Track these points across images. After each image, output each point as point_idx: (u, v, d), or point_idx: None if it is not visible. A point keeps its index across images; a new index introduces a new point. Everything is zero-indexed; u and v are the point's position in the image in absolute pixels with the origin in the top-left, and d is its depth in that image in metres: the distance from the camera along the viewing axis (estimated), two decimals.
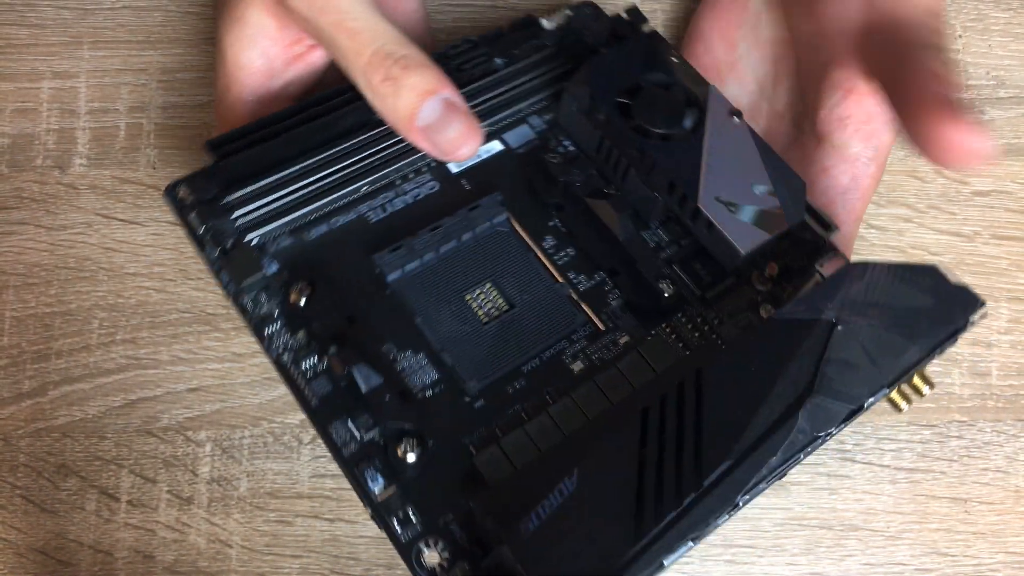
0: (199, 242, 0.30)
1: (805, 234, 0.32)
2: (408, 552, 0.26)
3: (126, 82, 0.42)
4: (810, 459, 0.39)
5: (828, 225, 0.32)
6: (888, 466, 0.39)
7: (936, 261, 0.42)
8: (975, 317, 0.28)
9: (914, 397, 0.29)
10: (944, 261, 0.42)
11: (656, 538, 0.23)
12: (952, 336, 0.28)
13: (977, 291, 0.29)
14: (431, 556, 0.25)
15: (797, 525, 0.38)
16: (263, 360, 0.38)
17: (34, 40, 0.43)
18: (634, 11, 0.36)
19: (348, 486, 0.37)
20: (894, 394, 0.29)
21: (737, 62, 0.38)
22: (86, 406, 0.38)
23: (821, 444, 0.25)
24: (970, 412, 0.40)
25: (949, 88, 0.27)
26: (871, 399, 0.26)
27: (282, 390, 0.38)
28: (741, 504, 0.24)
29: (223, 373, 0.38)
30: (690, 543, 0.24)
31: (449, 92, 0.29)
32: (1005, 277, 0.41)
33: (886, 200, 0.42)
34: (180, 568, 0.36)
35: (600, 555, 0.23)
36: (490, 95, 0.34)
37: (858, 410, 0.25)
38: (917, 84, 0.28)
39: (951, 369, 0.40)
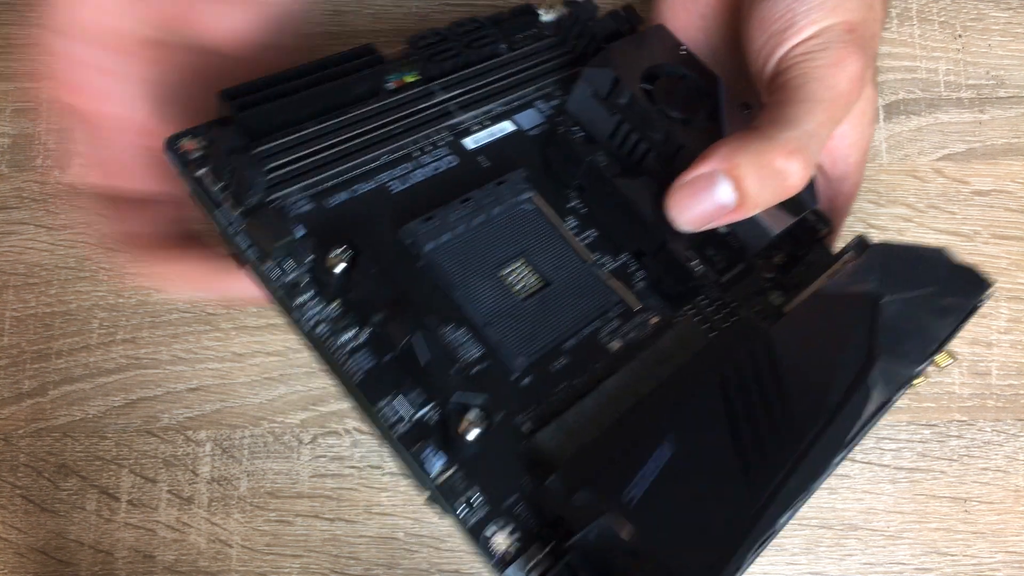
0: (212, 201, 0.27)
1: (808, 225, 0.33)
2: (476, 537, 0.24)
3: None
4: None
5: (825, 221, 0.33)
6: (888, 465, 0.39)
7: None
8: (986, 296, 0.29)
9: (926, 376, 0.30)
10: None
11: (770, 498, 0.23)
12: (972, 312, 0.29)
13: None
14: (501, 540, 0.24)
15: (797, 524, 0.38)
16: (263, 360, 0.38)
17: (34, 40, 0.43)
18: (629, 8, 0.36)
19: (349, 486, 0.37)
20: None
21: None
22: (86, 406, 0.38)
23: (889, 409, 0.26)
24: (970, 412, 0.40)
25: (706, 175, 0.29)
26: (922, 364, 0.27)
27: (282, 390, 0.38)
28: (836, 463, 0.25)
29: (223, 373, 0.38)
30: (800, 505, 0.24)
31: None
32: (1005, 277, 0.41)
33: (886, 200, 0.42)
34: (180, 568, 0.36)
35: (719, 519, 0.23)
36: (498, 76, 0.34)
37: (915, 375, 0.27)
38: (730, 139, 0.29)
39: (951, 369, 0.40)
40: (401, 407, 0.25)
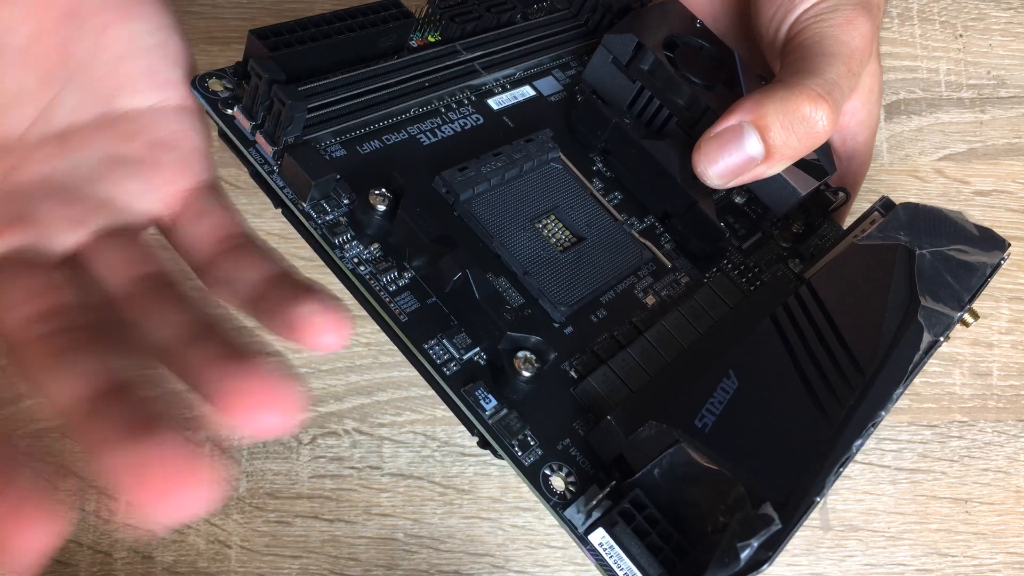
0: (244, 141, 0.26)
1: (824, 194, 0.34)
2: (535, 477, 0.23)
3: None
4: None
5: (835, 191, 0.34)
6: (889, 466, 0.39)
7: None
8: (1006, 255, 0.31)
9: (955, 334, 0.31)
10: None
11: (844, 423, 0.24)
12: (995, 270, 0.30)
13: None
14: (557, 481, 0.23)
15: None
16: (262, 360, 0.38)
17: None
18: None
19: (348, 487, 0.37)
20: None
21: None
22: None
23: (936, 351, 0.27)
24: (971, 412, 0.40)
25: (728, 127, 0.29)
26: (960, 312, 0.28)
27: None
28: (896, 396, 0.25)
29: None
30: (871, 429, 0.24)
31: None
32: (1006, 277, 0.41)
33: None
34: (179, 568, 0.36)
35: (796, 442, 0.23)
36: (517, 42, 0.34)
37: (955, 321, 0.28)
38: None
39: (952, 369, 0.40)
40: (449, 348, 0.25)
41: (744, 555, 0.20)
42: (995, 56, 0.44)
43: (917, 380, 0.40)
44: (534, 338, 0.25)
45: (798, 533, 0.37)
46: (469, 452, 0.38)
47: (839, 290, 0.27)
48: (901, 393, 0.26)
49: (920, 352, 0.26)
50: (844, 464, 0.24)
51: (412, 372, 0.38)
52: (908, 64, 0.44)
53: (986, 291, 0.41)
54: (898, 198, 0.42)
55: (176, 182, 0.27)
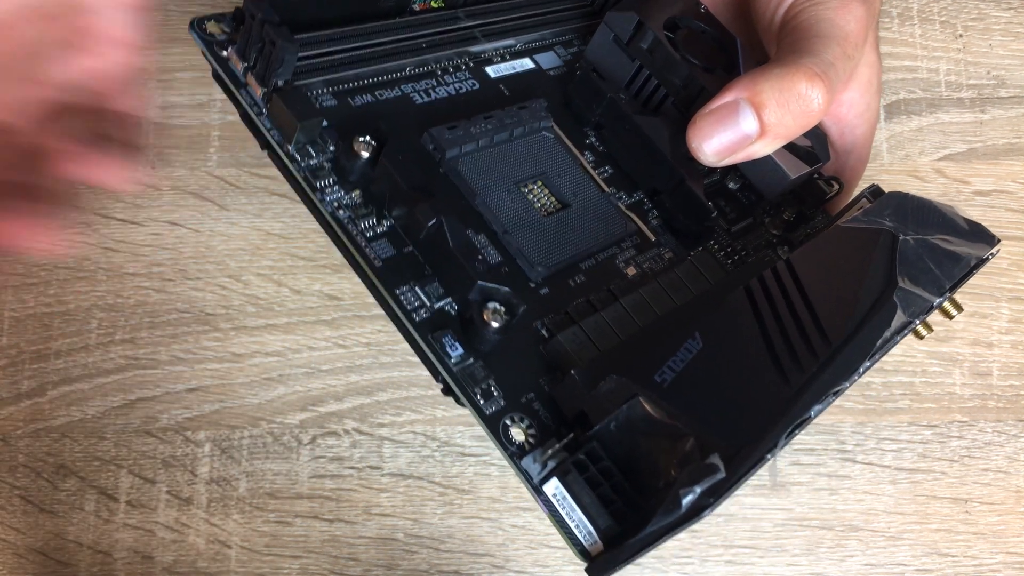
0: (235, 82, 0.27)
1: (818, 184, 0.34)
2: (495, 426, 0.24)
3: None
4: (810, 459, 0.39)
5: (829, 182, 0.34)
6: (889, 466, 0.39)
7: None
8: (994, 251, 0.30)
9: (939, 325, 0.32)
10: None
11: (805, 387, 0.24)
12: (980, 264, 0.30)
13: (978, 291, 0.29)
14: (517, 432, 0.24)
15: (798, 525, 0.38)
16: (262, 360, 0.38)
17: None
18: None
19: (348, 487, 0.37)
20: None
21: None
22: (85, 406, 0.38)
23: (908, 333, 0.27)
24: (971, 412, 0.40)
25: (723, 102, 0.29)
26: (940, 299, 0.28)
27: (281, 390, 0.38)
28: (862, 370, 0.25)
29: (222, 373, 0.38)
30: (832, 398, 0.24)
31: None
32: (1006, 277, 0.41)
33: None
34: (179, 569, 0.36)
35: (752, 401, 0.23)
36: (520, 14, 0.35)
37: (932, 306, 0.28)
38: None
39: (952, 369, 0.40)
40: (420, 296, 0.25)
41: (686, 501, 0.21)
42: (995, 56, 0.44)
43: (917, 380, 0.40)
44: (504, 289, 0.25)
45: (798, 533, 0.37)
46: (469, 452, 0.38)
47: (817, 267, 0.27)
48: (868, 367, 0.26)
49: (892, 330, 0.26)
50: (800, 426, 0.24)
51: (412, 372, 0.38)
52: (908, 64, 0.44)
53: (986, 291, 0.41)
54: None
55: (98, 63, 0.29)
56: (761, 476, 0.38)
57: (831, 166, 0.35)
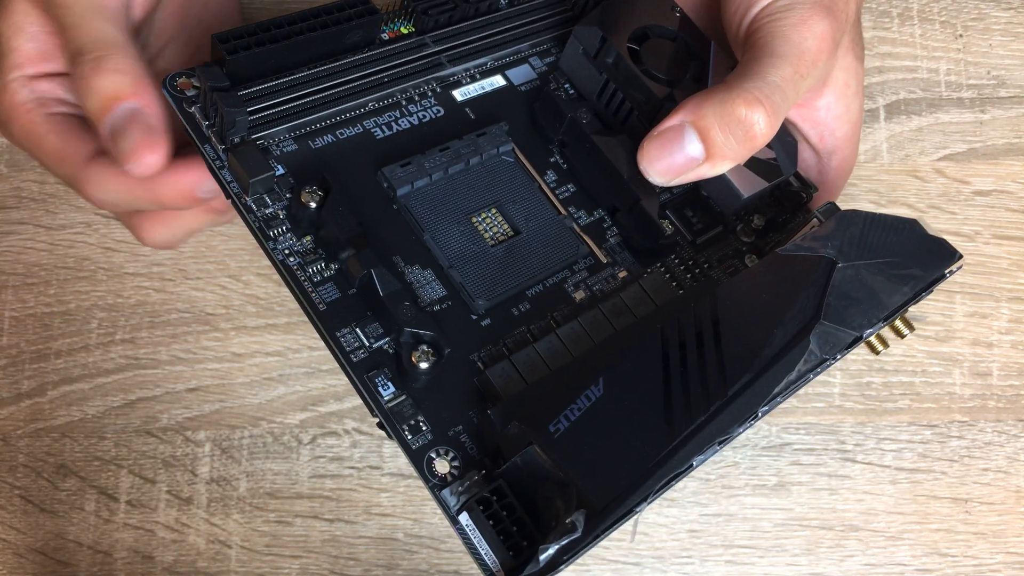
0: (200, 137, 0.29)
1: (791, 190, 0.33)
2: (420, 459, 0.25)
3: None
4: (810, 459, 0.39)
5: (809, 186, 0.34)
6: (889, 466, 0.39)
7: None
8: (954, 267, 0.30)
9: (892, 340, 0.32)
10: None
11: (687, 439, 0.24)
12: (934, 283, 0.29)
13: (978, 291, 0.29)
14: (441, 464, 0.25)
15: (798, 525, 0.38)
16: (262, 360, 0.38)
17: None
18: None
19: (348, 487, 0.37)
20: (872, 337, 0.31)
21: None
22: (85, 406, 0.38)
23: (826, 368, 0.27)
24: (971, 412, 0.40)
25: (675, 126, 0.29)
26: (870, 330, 0.28)
27: (281, 390, 0.38)
28: (760, 415, 0.26)
29: (222, 373, 0.38)
30: (716, 447, 0.25)
31: (137, 102, 0.29)
32: (1005, 277, 0.41)
33: (887, 200, 0.42)
34: (179, 568, 0.36)
35: (634, 453, 0.24)
36: (493, 30, 0.35)
37: (858, 339, 0.27)
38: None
39: (952, 369, 0.40)
40: (360, 337, 0.27)
41: (543, 557, 0.22)
42: (995, 56, 0.44)
43: (917, 380, 0.40)
44: (429, 333, 0.26)
45: (798, 533, 0.37)
46: None
47: (741, 302, 0.27)
48: (768, 411, 0.26)
49: (802, 370, 0.26)
50: (677, 478, 0.25)
51: None
52: (908, 64, 0.44)
53: (986, 291, 0.41)
54: (898, 198, 0.42)
55: None
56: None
57: (813, 169, 0.35)
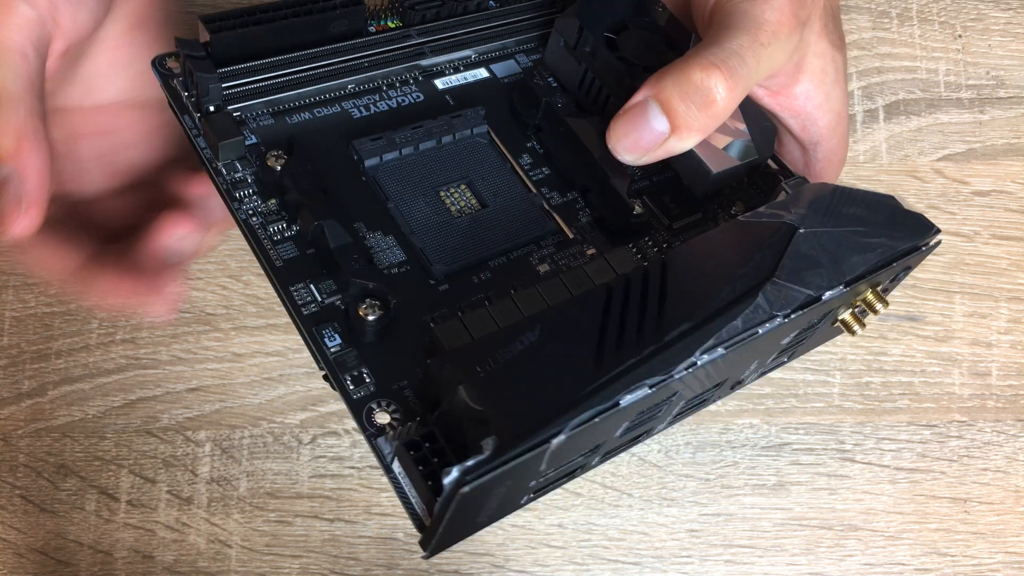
0: (181, 108, 0.30)
1: (769, 173, 0.33)
2: (359, 409, 0.26)
3: None
4: (810, 459, 0.39)
5: (790, 173, 0.33)
6: (888, 466, 0.39)
7: (935, 260, 0.42)
8: (930, 241, 0.29)
9: (868, 319, 0.31)
10: (944, 261, 0.42)
11: (615, 378, 0.24)
12: (907, 254, 0.29)
13: (977, 291, 0.29)
14: (381, 415, 0.26)
15: (797, 525, 0.38)
16: (262, 360, 0.38)
17: None
18: None
19: (348, 486, 0.37)
20: (847, 316, 0.30)
21: None
22: (86, 406, 0.38)
23: (779, 326, 0.27)
24: (970, 412, 0.40)
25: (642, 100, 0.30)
26: (829, 292, 0.27)
27: (281, 390, 0.38)
28: (699, 363, 0.26)
29: (223, 373, 0.38)
30: (647, 389, 0.25)
31: (12, 165, 0.28)
32: (1005, 277, 0.41)
33: None
34: (180, 568, 0.36)
35: (557, 390, 0.24)
36: (481, 26, 0.35)
37: (815, 300, 0.27)
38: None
39: (951, 369, 0.40)
40: (311, 292, 0.28)
41: (447, 480, 0.22)
42: (994, 56, 0.45)
43: (916, 380, 0.40)
44: (374, 284, 0.27)
45: (797, 533, 0.38)
46: None
47: (694, 262, 0.27)
48: (708, 361, 0.26)
49: (749, 325, 0.26)
50: (604, 416, 0.24)
51: None
52: (907, 64, 0.44)
53: (985, 291, 0.41)
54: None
55: None
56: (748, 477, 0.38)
57: (800, 162, 0.35)
